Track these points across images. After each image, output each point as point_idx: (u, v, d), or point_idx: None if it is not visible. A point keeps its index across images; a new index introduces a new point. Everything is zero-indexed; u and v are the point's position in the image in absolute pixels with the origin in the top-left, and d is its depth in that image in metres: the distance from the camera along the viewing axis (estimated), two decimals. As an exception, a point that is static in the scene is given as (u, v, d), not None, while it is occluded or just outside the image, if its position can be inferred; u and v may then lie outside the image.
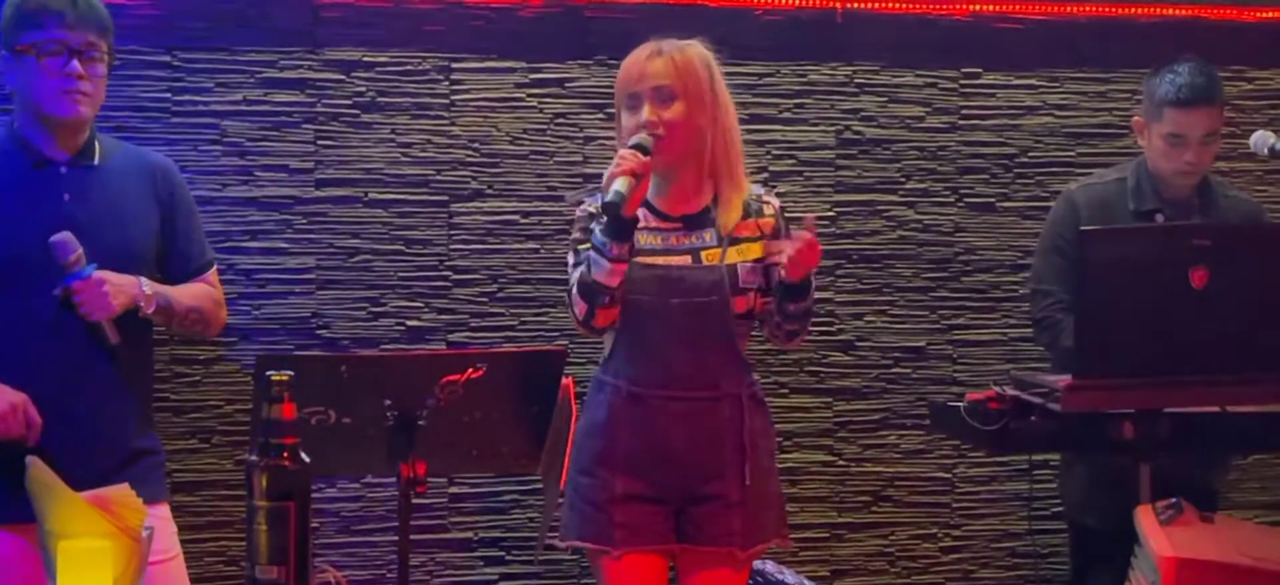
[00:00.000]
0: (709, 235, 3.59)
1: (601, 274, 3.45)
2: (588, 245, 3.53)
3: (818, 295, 4.57)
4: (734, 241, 3.58)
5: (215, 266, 3.58)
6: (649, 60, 3.56)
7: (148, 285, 3.30)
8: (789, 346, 3.75)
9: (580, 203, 3.66)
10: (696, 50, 3.60)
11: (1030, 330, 4.46)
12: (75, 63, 3.24)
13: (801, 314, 3.58)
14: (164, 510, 3.43)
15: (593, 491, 3.54)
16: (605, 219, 3.42)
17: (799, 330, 3.62)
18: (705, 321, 3.54)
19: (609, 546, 3.55)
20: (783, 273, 3.48)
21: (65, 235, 3.18)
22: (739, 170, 3.64)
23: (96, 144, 3.37)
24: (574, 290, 3.52)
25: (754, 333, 3.71)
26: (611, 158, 3.56)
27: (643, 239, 3.52)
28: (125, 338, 3.28)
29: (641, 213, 3.53)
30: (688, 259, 3.56)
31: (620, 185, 3.37)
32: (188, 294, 3.43)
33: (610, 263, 3.43)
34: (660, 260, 3.53)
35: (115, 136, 3.66)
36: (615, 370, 3.61)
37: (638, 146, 3.45)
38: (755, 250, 3.60)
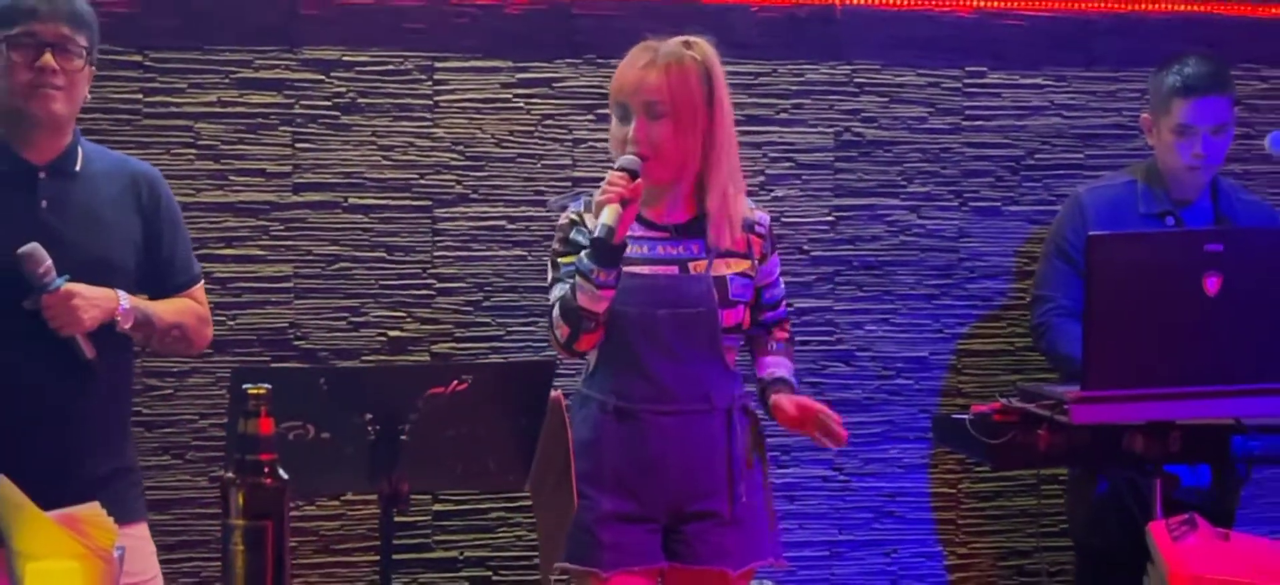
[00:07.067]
0: (697, 246, 3.59)
1: (587, 299, 3.45)
2: (568, 257, 3.54)
3: (817, 303, 4.62)
4: (722, 254, 3.59)
5: (202, 282, 3.56)
6: (644, 69, 3.52)
7: (126, 299, 3.27)
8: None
9: (563, 208, 3.67)
10: (695, 59, 3.55)
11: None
12: (47, 57, 3.22)
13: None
14: (142, 529, 3.42)
15: (579, 512, 3.55)
16: (601, 243, 3.42)
17: None
18: (693, 333, 3.56)
19: (597, 569, 3.56)
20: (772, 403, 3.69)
21: (32, 246, 3.15)
22: (737, 180, 3.64)
23: (78, 150, 3.35)
24: (556, 311, 3.52)
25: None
26: (602, 158, 3.60)
27: (629, 247, 3.52)
28: (102, 353, 3.26)
29: None
30: (675, 269, 3.57)
31: (608, 217, 3.39)
32: (170, 310, 3.41)
33: (597, 288, 3.43)
34: (646, 269, 3.54)
35: (95, 142, 3.64)
36: (600, 385, 3.62)
37: (626, 170, 3.44)
38: (744, 264, 3.62)
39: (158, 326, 3.37)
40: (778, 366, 3.74)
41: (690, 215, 3.61)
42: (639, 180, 3.44)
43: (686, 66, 3.53)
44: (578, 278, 3.45)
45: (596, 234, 3.39)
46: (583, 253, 3.46)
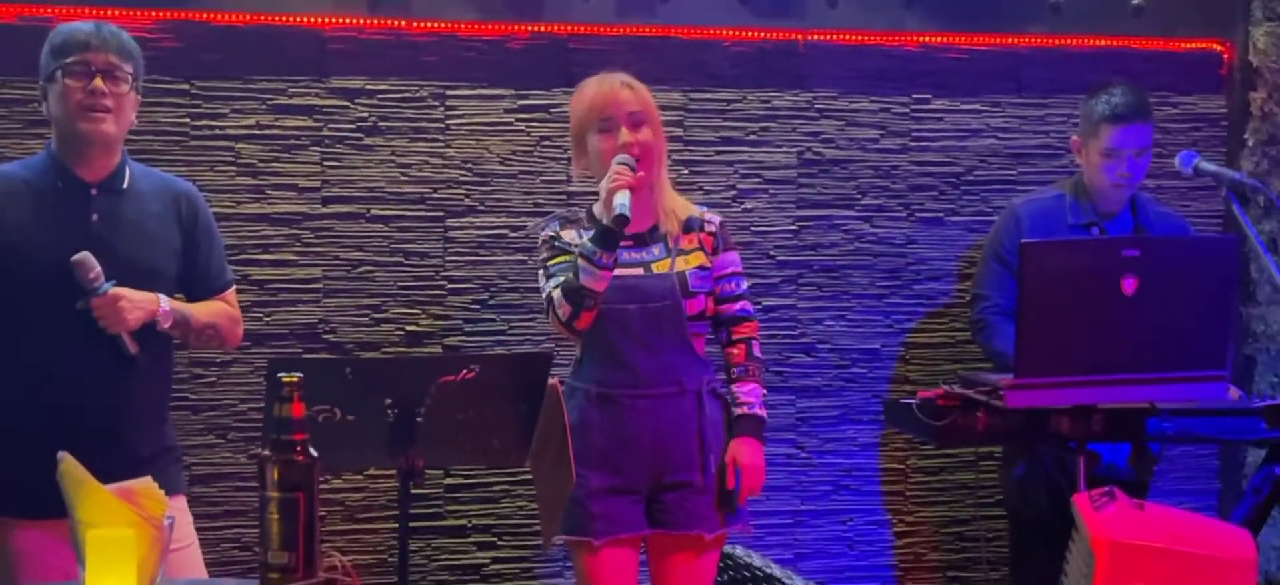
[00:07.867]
0: (657, 249, 3.65)
1: (590, 280, 3.48)
2: (556, 258, 3.58)
3: (782, 302, 4.62)
4: (681, 252, 3.63)
5: (234, 286, 3.55)
6: (619, 89, 3.63)
7: (166, 302, 3.27)
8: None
9: (542, 230, 3.72)
10: (636, 81, 3.69)
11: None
12: (98, 81, 3.21)
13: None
14: (181, 502, 3.41)
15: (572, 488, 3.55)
16: (605, 228, 3.47)
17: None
18: (662, 324, 3.59)
19: (589, 538, 3.57)
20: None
21: (84, 255, 3.16)
22: (669, 185, 3.75)
23: (126, 169, 3.35)
24: (558, 296, 3.55)
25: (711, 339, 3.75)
26: (591, 174, 3.61)
27: None
28: (145, 348, 3.26)
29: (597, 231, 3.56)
30: (640, 270, 3.60)
31: (623, 198, 3.45)
32: (205, 311, 3.40)
33: (600, 269, 3.47)
34: (616, 272, 3.56)
35: (141, 161, 3.63)
36: (585, 376, 3.65)
37: (626, 164, 3.50)
38: (700, 258, 3.64)
39: (194, 326, 3.37)
40: (746, 395, 3.71)
41: (648, 225, 3.65)
42: (640, 174, 3.49)
43: (644, 87, 3.68)
44: (581, 262, 3.49)
45: (617, 213, 3.43)
46: (587, 240, 3.51)
